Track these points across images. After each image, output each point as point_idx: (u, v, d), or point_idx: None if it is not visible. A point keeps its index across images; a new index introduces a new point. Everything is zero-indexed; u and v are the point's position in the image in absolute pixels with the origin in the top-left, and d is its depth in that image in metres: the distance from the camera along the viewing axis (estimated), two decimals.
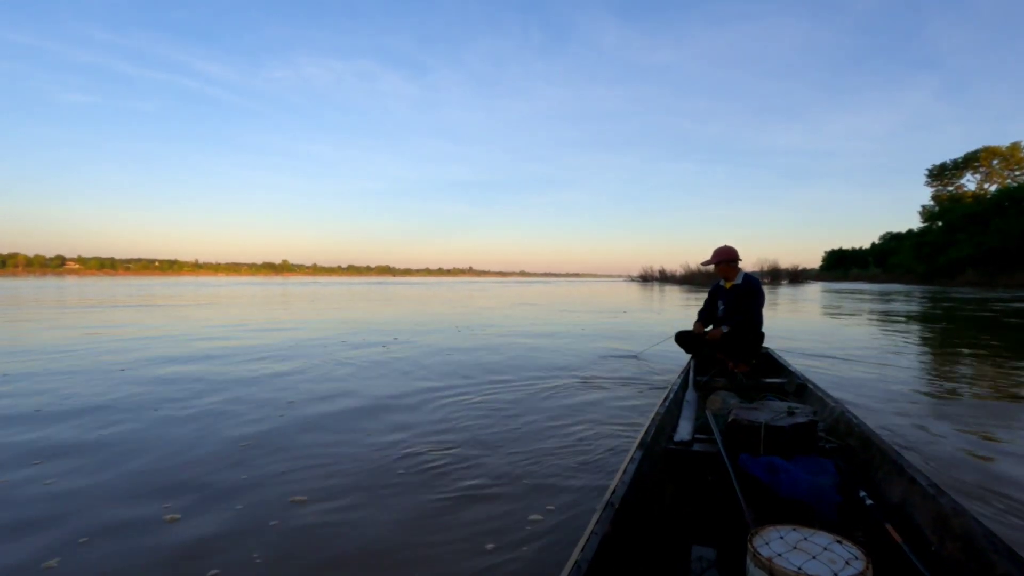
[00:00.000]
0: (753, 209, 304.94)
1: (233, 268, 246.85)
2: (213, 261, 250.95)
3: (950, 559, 1.33)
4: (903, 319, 11.21)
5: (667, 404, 2.63)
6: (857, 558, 1.09)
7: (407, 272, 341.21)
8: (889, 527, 1.44)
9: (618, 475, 1.68)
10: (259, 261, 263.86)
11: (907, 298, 20.75)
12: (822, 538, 1.18)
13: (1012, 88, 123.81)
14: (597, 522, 1.34)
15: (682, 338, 4.29)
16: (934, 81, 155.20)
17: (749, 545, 1.16)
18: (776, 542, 1.17)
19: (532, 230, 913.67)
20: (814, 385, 3.17)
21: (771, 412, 2.16)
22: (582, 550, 1.21)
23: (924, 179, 66.18)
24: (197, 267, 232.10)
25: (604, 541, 1.28)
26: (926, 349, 6.91)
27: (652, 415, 2.41)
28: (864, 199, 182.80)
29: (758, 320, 3.96)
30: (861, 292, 27.71)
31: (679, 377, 3.49)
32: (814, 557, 1.10)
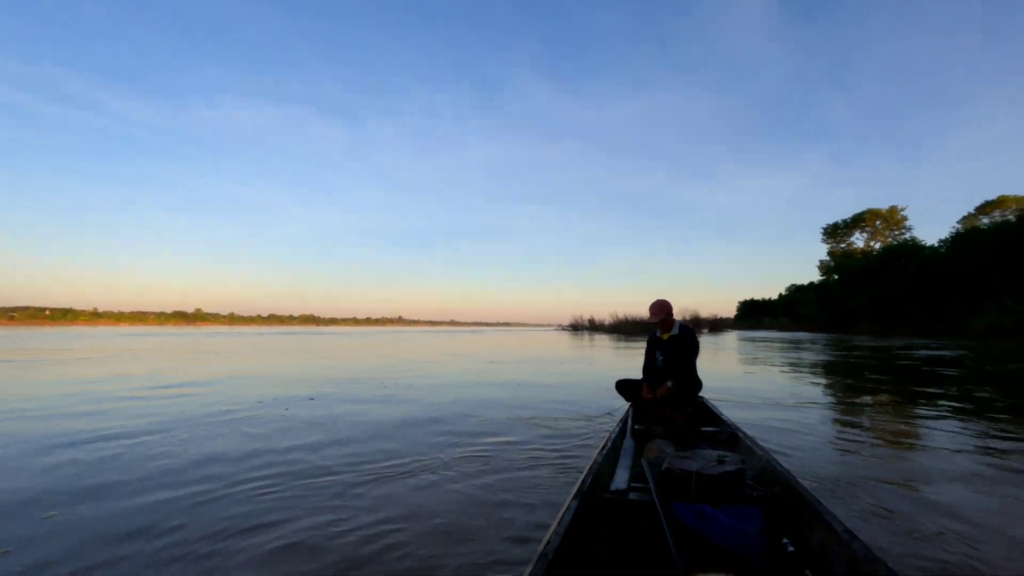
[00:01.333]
0: (674, 261, 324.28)
1: (138, 317, 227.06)
2: (115, 310, 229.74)
3: None
4: (824, 369, 11.60)
5: (604, 452, 2.64)
6: None
7: (333, 321, 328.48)
8: (808, 573, 1.53)
9: (553, 525, 1.66)
10: (169, 310, 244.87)
11: (817, 346, 21.99)
12: None
13: (889, 158, 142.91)
14: (531, 574, 1.34)
15: (622, 386, 4.29)
16: (826, 149, 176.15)
17: None
18: None
19: (463, 280, 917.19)
20: (744, 434, 3.23)
21: (703, 460, 2.22)
22: None
23: (820, 236, 73.42)
24: (96, 316, 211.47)
25: None
26: (867, 402, 6.95)
27: (590, 464, 2.40)
28: (772, 253, 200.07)
29: (694, 370, 4.02)
30: (773, 340, 29.30)
31: (617, 425, 3.47)
32: None
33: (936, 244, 49.68)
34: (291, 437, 4.28)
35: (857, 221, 68.25)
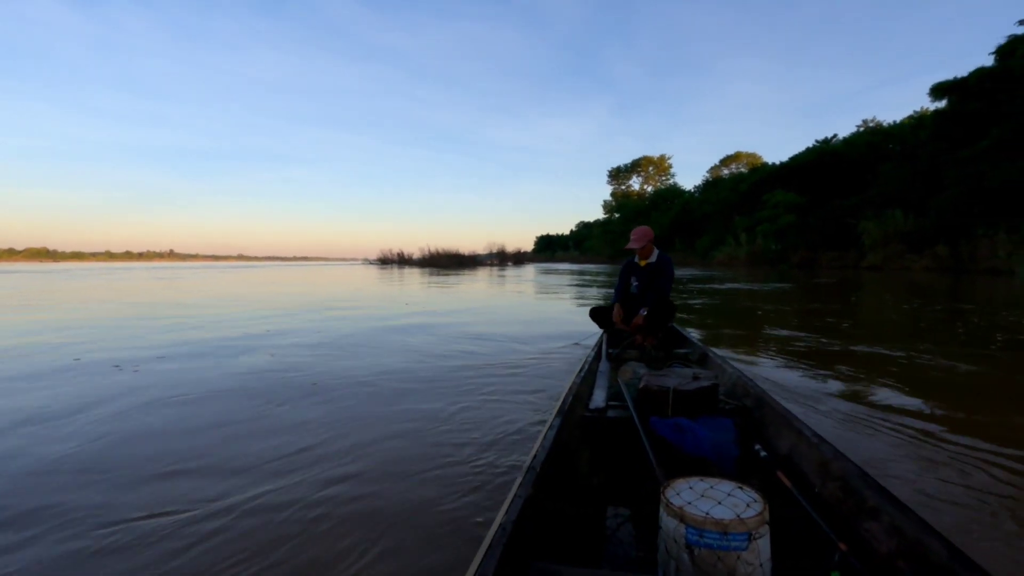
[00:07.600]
0: (480, 197, 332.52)
1: None
2: None
3: (831, 497, 1.48)
4: None
5: (582, 375, 2.69)
6: (756, 501, 1.16)
7: (77, 256, 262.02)
8: (780, 474, 1.56)
9: (538, 441, 1.69)
10: None
11: (607, 276, 24.23)
12: (725, 485, 1.24)
13: (659, 113, 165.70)
14: (520, 485, 1.36)
15: (596, 313, 4.49)
16: (610, 100, 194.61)
17: (662, 496, 1.20)
18: (686, 492, 1.21)
19: (254, 209, 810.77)
20: (713, 353, 3.28)
21: (678, 378, 2.31)
22: (506, 512, 1.21)
23: (606, 179, 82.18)
24: None
25: (526, 503, 1.28)
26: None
27: (568, 385, 2.46)
28: (565, 192, 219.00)
29: (667, 297, 4.08)
30: (572, 272, 31.82)
31: (592, 350, 3.54)
32: (719, 503, 1.15)
33: (692, 190, 59.51)
34: None
35: (635, 166, 77.78)
